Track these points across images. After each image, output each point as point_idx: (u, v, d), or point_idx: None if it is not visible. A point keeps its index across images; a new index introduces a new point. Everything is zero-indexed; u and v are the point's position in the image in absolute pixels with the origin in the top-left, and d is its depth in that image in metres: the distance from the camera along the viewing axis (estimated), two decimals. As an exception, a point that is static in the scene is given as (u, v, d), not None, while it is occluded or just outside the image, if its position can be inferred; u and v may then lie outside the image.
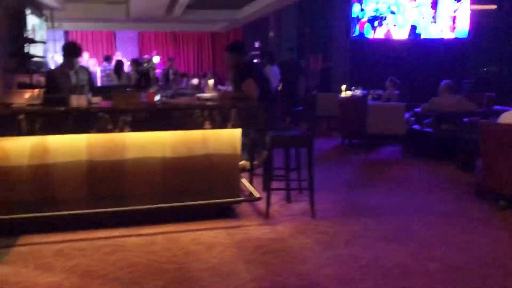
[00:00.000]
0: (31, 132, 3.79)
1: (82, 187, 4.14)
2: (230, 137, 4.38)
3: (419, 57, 11.63)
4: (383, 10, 11.48)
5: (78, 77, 4.71)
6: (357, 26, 11.56)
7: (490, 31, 12.04)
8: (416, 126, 7.58)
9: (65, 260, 3.57)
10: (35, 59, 6.28)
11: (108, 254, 3.67)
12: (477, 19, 11.38)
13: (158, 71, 12.08)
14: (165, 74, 12.15)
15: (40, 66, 6.48)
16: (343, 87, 10.46)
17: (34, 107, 3.93)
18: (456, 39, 11.31)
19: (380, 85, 10.11)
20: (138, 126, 3.99)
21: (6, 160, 3.95)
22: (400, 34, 11.49)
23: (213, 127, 4.16)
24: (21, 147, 3.97)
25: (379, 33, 11.55)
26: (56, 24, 7.81)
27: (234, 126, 4.20)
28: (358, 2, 11.43)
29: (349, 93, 10.26)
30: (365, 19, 11.56)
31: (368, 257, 3.60)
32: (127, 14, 11.06)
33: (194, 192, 4.35)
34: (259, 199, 4.49)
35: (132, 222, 4.23)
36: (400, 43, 11.54)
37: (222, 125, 4.17)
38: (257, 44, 17.87)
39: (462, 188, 5.55)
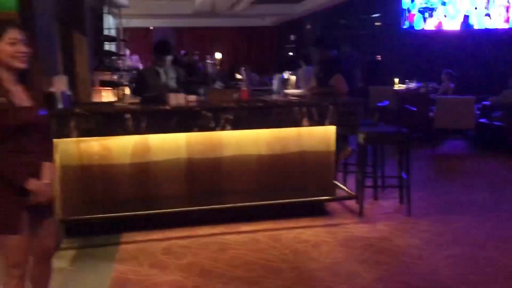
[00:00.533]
0: (137, 131, 3.81)
1: (182, 185, 4.15)
2: (325, 134, 4.33)
3: (472, 49, 11.35)
4: (434, 1, 11.24)
5: (167, 76, 4.70)
6: (407, 18, 11.34)
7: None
8: (483, 120, 7.41)
9: (176, 258, 3.59)
10: (113, 57, 6.34)
11: (217, 252, 3.67)
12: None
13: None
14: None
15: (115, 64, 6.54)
16: (396, 80, 10.31)
17: (136, 106, 3.95)
18: (510, 29, 10.99)
19: (432, 78, 9.92)
20: (238, 124, 3.98)
21: (109, 158, 3.98)
22: (452, 25, 11.22)
23: (311, 124, 4.12)
24: (123, 146, 4.00)
25: (429, 25, 11.31)
26: (124, 21, 7.86)
27: (331, 123, 4.15)
28: (409, -6, 11.20)
29: (402, 86, 10.11)
30: (415, 10, 11.33)
31: (483, 257, 3.52)
32: (193, 9, 10.93)
33: (288, 189, 4.33)
34: (355, 197, 4.43)
35: (229, 218, 4.24)
36: (452, 34, 11.28)
37: (320, 122, 4.13)
38: (292, 37, 17.78)
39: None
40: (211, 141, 4.15)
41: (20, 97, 2.24)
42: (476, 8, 11.10)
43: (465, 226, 4.13)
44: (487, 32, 11.11)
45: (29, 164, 2.24)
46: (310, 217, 4.37)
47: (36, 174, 2.26)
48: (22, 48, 2.21)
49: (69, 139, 3.79)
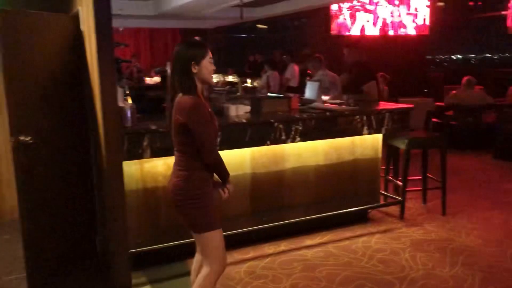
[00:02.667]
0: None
1: (246, 202, 3.89)
2: (373, 141, 4.38)
3: (389, 53, 12.31)
4: (358, 7, 11.96)
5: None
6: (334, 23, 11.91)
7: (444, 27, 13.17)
8: (435, 120, 8.08)
9: (272, 281, 3.36)
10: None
11: (307, 271, 3.52)
12: (436, 16, 12.38)
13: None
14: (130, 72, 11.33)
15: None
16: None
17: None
18: (418, 35, 12.21)
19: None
20: (307, 135, 3.85)
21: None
22: (373, 30, 12.07)
23: (370, 133, 4.15)
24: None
25: (355, 30, 12.02)
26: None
27: (387, 131, 4.22)
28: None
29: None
30: (342, 16, 11.96)
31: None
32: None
33: (341, 198, 4.30)
34: (401, 201, 4.55)
35: (290, 233, 4.09)
36: (373, 39, 12.11)
37: (378, 130, 4.17)
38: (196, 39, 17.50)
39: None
40: (274, 153, 3.95)
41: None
42: (392, 16, 12.12)
43: (498, 218, 4.51)
44: (402, 37, 12.17)
45: None
46: (358, 224, 4.40)
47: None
48: (214, 67, 2.46)
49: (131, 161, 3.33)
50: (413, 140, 4.51)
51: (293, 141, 3.80)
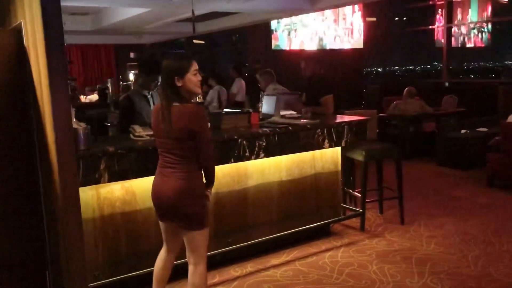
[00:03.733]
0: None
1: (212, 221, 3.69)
2: (333, 154, 4.36)
3: (327, 66, 12.60)
4: (295, 22, 12.14)
5: (154, 100, 4.09)
6: (273, 38, 12.01)
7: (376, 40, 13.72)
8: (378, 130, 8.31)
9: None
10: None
11: (280, 292, 3.38)
12: (370, 30, 12.89)
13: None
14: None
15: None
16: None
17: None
18: (353, 48, 12.62)
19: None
20: (271, 150, 3.75)
21: (133, 204, 3.32)
22: (310, 45, 12.30)
23: (330, 146, 4.12)
24: (148, 187, 3.37)
25: (295, 44, 12.19)
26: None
27: (346, 143, 4.21)
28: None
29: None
30: (280, 31, 12.09)
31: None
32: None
33: (304, 213, 4.23)
34: (362, 213, 4.54)
35: (253, 253, 3.95)
36: (311, 53, 12.34)
37: (338, 143, 4.15)
38: (132, 55, 17.11)
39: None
40: (237, 171, 3.80)
41: None
42: (328, 30, 12.45)
43: (452, 224, 4.63)
44: (337, 51, 12.51)
45: None
46: (321, 238, 4.34)
47: None
48: (199, 77, 2.62)
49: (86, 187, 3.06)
50: (369, 151, 4.53)
51: (257, 157, 3.68)
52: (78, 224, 2.79)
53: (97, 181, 3.00)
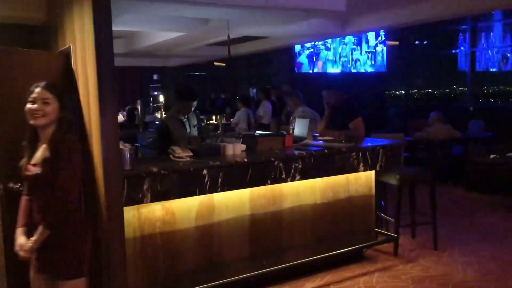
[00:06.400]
0: (214, 189, 3.31)
1: (245, 245, 3.71)
2: (367, 178, 4.35)
3: (349, 89, 12.60)
4: (318, 45, 12.26)
5: (190, 124, 4.18)
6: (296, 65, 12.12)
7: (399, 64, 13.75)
8: (406, 154, 8.24)
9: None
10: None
11: (317, 316, 3.35)
12: (392, 53, 12.93)
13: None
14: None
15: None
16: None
17: (194, 159, 3.44)
18: (375, 72, 12.66)
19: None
20: (307, 172, 3.76)
21: (172, 224, 3.36)
22: (333, 68, 12.39)
23: (365, 169, 4.11)
24: (188, 208, 3.42)
25: (317, 68, 12.29)
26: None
27: (381, 167, 4.20)
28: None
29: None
30: (303, 57, 12.20)
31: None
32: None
33: (338, 237, 4.20)
34: (396, 238, 4.50)
35: (288, 276, 3.92)
36: (334, 76, 12.41)
37: (373, 167, 4.15)
38: (155, 77, 17.39)
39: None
40: (273, 193, 3.82)
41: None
42: (352, 54, 12.53)
43: (488, 251, 4.54)
44: (361, 74, 12.56)
45: None
46: (354, 263, 4.30)
47: None
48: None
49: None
50: (404, 175, 4.51)
51: (293, 179, 3.69)
52: (121, 244, 2.84)
53: (140, 201, 3.04)
